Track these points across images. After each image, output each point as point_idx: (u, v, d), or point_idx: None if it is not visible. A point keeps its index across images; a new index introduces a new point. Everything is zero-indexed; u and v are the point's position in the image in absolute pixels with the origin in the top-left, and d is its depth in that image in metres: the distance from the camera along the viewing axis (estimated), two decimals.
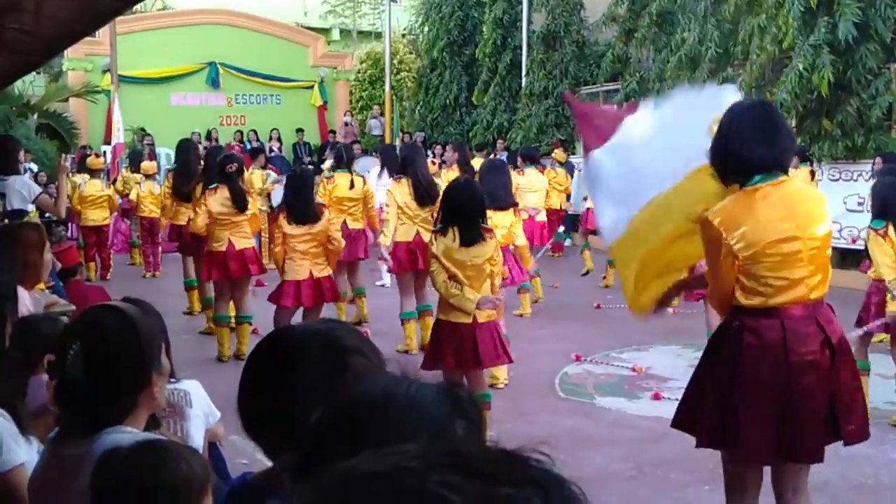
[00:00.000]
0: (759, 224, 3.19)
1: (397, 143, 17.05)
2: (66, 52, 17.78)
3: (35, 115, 19.16)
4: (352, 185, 8.63)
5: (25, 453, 2.40)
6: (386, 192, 7.93)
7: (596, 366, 7.33)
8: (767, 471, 3.41)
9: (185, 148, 9.50)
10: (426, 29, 20.83)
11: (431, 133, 20.19)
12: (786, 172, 3.30)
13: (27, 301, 3.39)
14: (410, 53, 22.94)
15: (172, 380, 2.45)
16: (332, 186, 8.60)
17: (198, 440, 2.68)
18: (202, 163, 9.10)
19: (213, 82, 21.17)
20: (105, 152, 16.44)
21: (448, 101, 20.21)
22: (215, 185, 7.59)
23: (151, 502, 1.75)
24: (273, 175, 11.91)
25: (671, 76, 13.54)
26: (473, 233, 5.05)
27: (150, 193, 11.93)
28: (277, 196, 10.65)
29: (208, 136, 19.19)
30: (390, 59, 19.51)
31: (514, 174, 9.24)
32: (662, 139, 3.82)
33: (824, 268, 3.30)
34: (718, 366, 3.33)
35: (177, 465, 1.76)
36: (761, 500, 3.44)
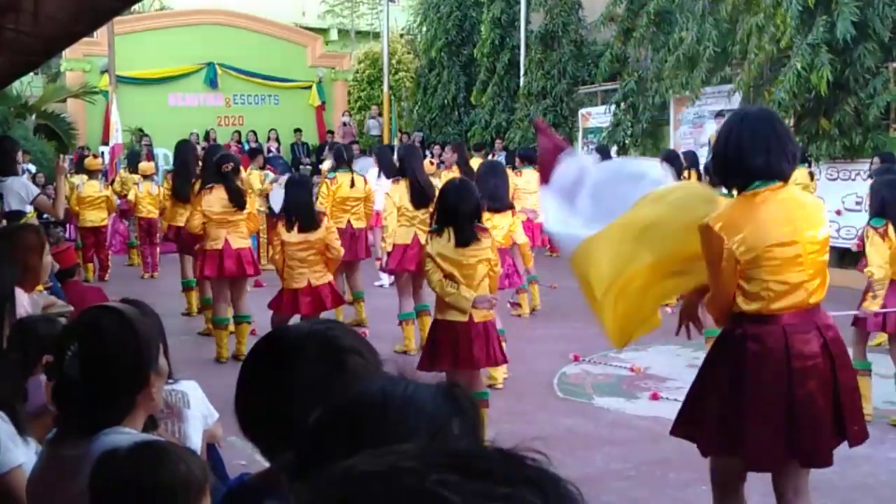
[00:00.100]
0: (758, 228, 3.20)
1: (395, 143, 17.03)
2: (64, 52, 17.73)
3: (33, 116, 19.15)
4: (353, 185, 8.63)
5: (24, 454, 2.40)
6: (385, 195, 7.93)
7: (594, 366, 7.33)
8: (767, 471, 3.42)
9: (183, 149, 9.48)
10: (424, 29, 20.82)
11: (430, 133, 20.19)
12: (785, 182, 3.29)
13: (25, 302, 3.39)
14: (408, 53, 22.93)
15: (170, 381, 2.45)
16: (336, 186, 8.60)
17: (196, 441, 2.68)
18: (200, 163, 9.10)
19: (212, 83, 21.15)
20: (103, 153, 16.46)
21: (446, 101, 20.21)
22: (212, 184, 7.58)
23: (150, 503, 1.75)
24: (271, 175, 11.89)
25: (669, 75, 13.55)
26: (469, 233, 5.04)
27: (148, 194, 11.90)
28: (275, 196, 10.62)
29: (206, 137, 19.12)
30: (388, 59, 19.53)
31: (511, 175, 9.24)
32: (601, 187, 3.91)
33: (822, 272, 3.31)
34: (720, 372, 3.33)
35: (175, 466, 1.76)
36: (761, 500, 3.44)
